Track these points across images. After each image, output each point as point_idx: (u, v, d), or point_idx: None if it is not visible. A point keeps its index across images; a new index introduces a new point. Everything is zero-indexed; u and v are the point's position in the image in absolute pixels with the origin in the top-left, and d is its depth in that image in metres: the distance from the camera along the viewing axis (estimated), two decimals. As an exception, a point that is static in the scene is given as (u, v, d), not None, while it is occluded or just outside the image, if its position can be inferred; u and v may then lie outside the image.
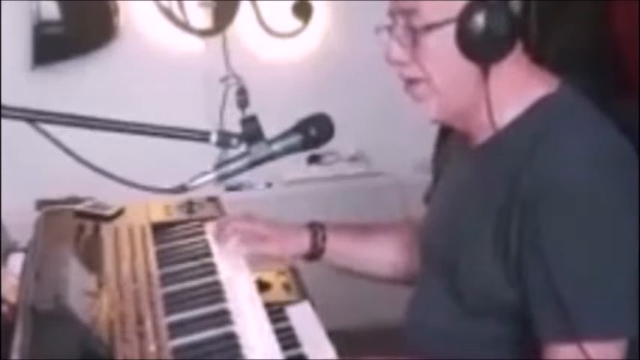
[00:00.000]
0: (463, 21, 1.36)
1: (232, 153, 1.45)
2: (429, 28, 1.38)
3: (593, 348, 1.29)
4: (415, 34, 1.40)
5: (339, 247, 1.78)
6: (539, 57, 1.50)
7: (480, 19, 1.35)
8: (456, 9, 1.36)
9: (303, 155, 3.16)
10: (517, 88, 1.43)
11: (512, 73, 1.42)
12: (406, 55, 1.42)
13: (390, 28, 1.44)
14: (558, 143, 1.36)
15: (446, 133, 1.66)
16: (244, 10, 3.29)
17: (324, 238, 1.76)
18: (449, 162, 1.63)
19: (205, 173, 1.44)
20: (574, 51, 2.92)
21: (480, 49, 1.37)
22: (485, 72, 1.39)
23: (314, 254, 1.77)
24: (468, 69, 1.39)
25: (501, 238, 1.38)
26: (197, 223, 1.87)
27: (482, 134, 1.47)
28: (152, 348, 1.40)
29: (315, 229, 1.77)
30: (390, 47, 1.43)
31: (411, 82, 1.44)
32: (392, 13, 1.44)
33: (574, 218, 1.31)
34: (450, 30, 1.37)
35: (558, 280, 1.30)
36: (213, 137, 1.41)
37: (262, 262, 1.75)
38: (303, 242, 1.76)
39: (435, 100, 1.43)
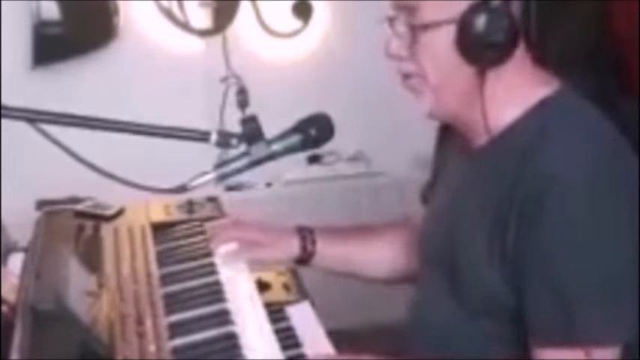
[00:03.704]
0: (464, 23, 1.35)
1: (232, 153, 1.45)
2: (429, 27, 1.38)
3: (593, 352, 1.29)
4: (414, 32, 1.40)
5: (329, 251, 1.77)
6: (539, 58, 1.50)
7: (480, 23, 1.34)
8: (457, 10, 1.36)
9: (303, 155, 3.16)
10: (518, 90, 1.43)
11: (514, 76, 1.42)
12: (405, 51, 1.43)
13: (392, 21, 1.44)
14: (558, 142, 1.36)
15: (446, 133, 1.66)
16: (244, 10, 3.29)
17: (313, 242, 1.76)
18: (448, 163, 1.63)
19: (205, 173, 1.44)
20: (574, 51, 2.92)
21: (479, 53, 1.37)
22: (481, 76, 1.38)
23: (304, 258, 1.76)
24: (464, 71, 1.39)
25: (498, 237, 1.38)
26: (197, 223, 1.87)
27: (481, 136, 1.46)
28: (152, 348, 1.40)
29: (304, 233, 1.77)
30: (390, 41, 1.44)
31: (407, 77, 1.45)
32: (394, 8, 1.44)
33: (574, 217, 1.31)
34: (450, 30, 1.37)
35: (557, 282, 1.30)
36: (213, 137, 1.41)
37: (256, 264, 1.75)
38: (292, 247, 1.75)
39: (430, 96, 1.43)
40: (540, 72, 1.47)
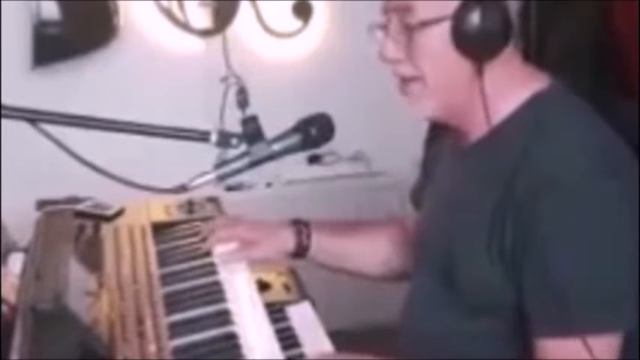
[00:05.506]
0: (458, 18, 1.37)
1: (232, 153, 1.45)
2: (424, 25, 1.39)
3: (592, 342, 1.29)
4: (410, 32, 1.40)
5: (325, 245, 1.77)
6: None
7: (475, 17, 1.36)
8: (451, 6, 1.37)
9: (303, 155, 3.16)
10: (509, 86, 1.44)
11: (504, 71, 1.43)
12: (401, 53, 1.43)
13: (384, 26, 1.44)
14: (554, 139, 1.37)
15: (436, 132, 1.66)
16: (244, 10, 3.30)
17: (308, 236, 1.76)
18: (441, 161, 1.63)
19: (205, 173, 1.44)
20: (574, 51, 2.92)
21: (475, 47, 1.38)
22: (479, 69, 1.39)
23: (299, 252, 1.76)
24: (461, 66, 1.40)
25: (496, 234, 1.38)
26: (197, 223, 1.88)
27: (476, 132, 1.47)
28: (152, 348, 1.40)
29: (300, 227, 1.77)
30: (385, 45, 1.44)
31: (405, 81, 1.45)
32: (385, 11, 1.45)
33: (572, 213, 1.31)
34: (445, 27, 1.38)
35: (556, 275, 1.30)
36: (213, 137, 1.41)
37: (255, 264, 1.75)
38: (287, 241, 1.75)
39: (430, 98, 1.44)
40: (529, 68, 1.49)
